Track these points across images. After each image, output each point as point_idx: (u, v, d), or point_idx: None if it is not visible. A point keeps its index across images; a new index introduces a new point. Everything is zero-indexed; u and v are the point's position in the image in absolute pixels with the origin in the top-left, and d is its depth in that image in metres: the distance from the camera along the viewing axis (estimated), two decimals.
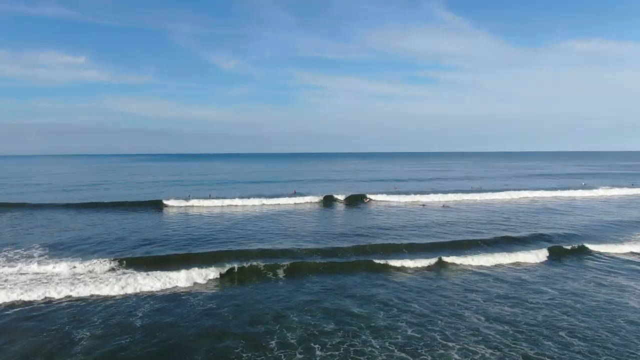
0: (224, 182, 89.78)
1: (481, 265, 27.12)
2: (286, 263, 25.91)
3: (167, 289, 22.50)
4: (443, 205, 54.05)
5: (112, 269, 25.19)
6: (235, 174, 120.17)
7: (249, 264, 25.63)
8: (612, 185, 76.18)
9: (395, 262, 26.69)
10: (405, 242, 31.89)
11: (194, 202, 53.54)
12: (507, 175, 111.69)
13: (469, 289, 22.97)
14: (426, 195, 61.04)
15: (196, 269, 24.29)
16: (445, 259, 27.58)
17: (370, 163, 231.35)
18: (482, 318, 19.02)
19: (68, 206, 50.66)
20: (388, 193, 63.16)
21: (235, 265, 25.10)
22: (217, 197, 57.26)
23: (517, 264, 27.75)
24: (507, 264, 27.59)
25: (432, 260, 27.25)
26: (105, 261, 26.01)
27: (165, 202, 53.38)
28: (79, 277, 23.76)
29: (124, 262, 25.99)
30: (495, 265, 27.28)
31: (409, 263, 26.76)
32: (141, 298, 21.43)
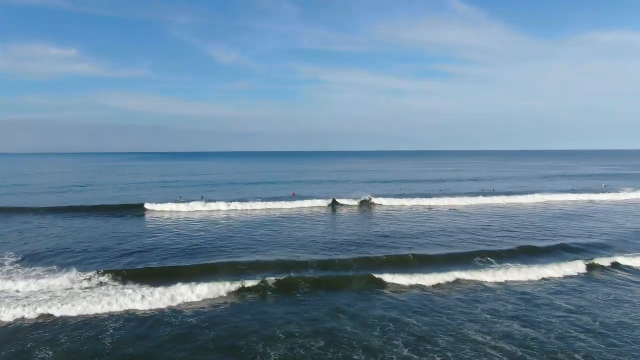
0: (219, 183, 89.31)
1: (496, 282, 25.82)
2: (278, 278, 24.84)
3: (146, 310, 21.48)
4: (450, 209, 53.44)
5: (88, 283, 24.28)
6: (232, 175, 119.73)
7: (238, 279, 24.51)
8: (636, 188, 74.83)
9: (400, 279, 25.32)
10: (410, 252, 30.83)
11: (181, 206, 52.31)
12: (523, 176, 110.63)
13: (485, 308, 21.82)
14: (433, 199, 60.27)
15: (180, 285, 23.28)
16: (458, 274, 26.18)
17: (377, 163, 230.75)
18: (499, 342, 17.99)
19: (49, 210, 49.98)
20: (395, 196, 62.26)
21: (227, 284, 23.68)
22: (210, 200, 56.43)
23: (533, 279, 26.47)
24: (524, 280, 26.32)
25: (445, 277, 25.79)
26: (79, 274, 25.15)
27: (147, 206, 51.99)
28: (52, 293, 22.90)
29: (98, 276, 25.01)
30: (512, 281, 26.00)
31: (415, 280, 25.37)
32: (117, 317, 20.54)
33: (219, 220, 45.18)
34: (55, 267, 26.70)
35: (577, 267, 28.14)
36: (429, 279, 25.44)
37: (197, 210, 51.24)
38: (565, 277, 26.89)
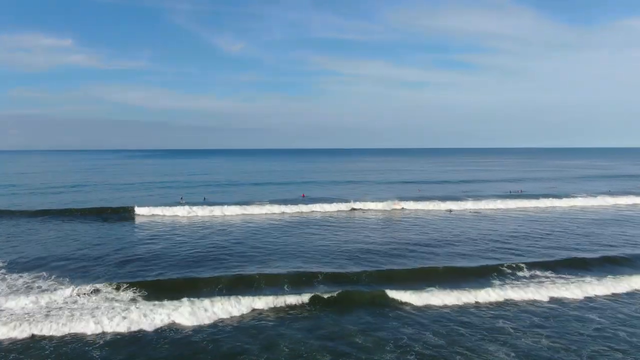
0: (223, 183, 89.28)
1: (534, 300, 24.40)
2: (291, 293, 23.98)
3: (129, 332, 20.64)
4: (474, 213, 52.84)
5: (72, 297, 23.79)
6: (237, 174, 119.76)
7: (246, 295, 23.64)
8: None
9: (418, 298, 24.01)
10: (432, 265, 29.84)
11: (176, 209, 51.43)
12: (555, 176, 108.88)
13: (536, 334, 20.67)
14: (456, 201, 59.37)
15: (166, 303, 22.48)
16: (493, 291, 24.77)
17: (394, 161, 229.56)
18: None
19: (35, 213, 49.66)
20: (414, 199, 61.40)
21: (221, 302, 22.72)
22: (213, 203, 56.19)
23: (577, 297, 25.10)
24: (569, 297, 24.95)
25: (487, 295, 24.42)
26: (61, 287, 24.71)
27: (137, 210, 51.38)
28: (34, 309, 22.38)
29: (81, 289, 24.33)
30: (557, 299, 24.61)
31: (452, 297, 24.04)
32: (93, 338, 20.05)
33: (222, 226, 44.64)
34: (51, 279, 26.48)
35: (629, 284, 26.58)
36: (464, 296, 24.28)
37: (196, 215, 50.47)
38: (614, 295, 25.36)
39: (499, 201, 60.10)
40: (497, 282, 26.94)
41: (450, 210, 54.09)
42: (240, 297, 23.23)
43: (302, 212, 52.72)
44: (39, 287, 25.12)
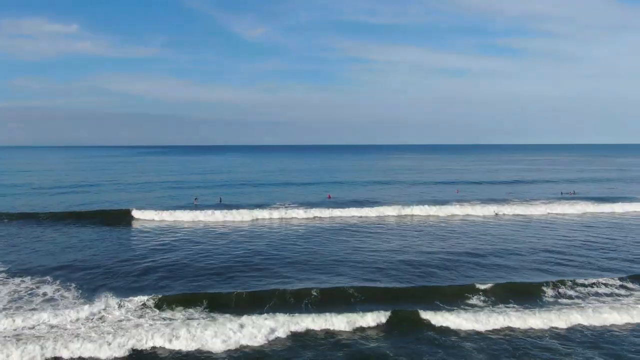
0: (241, 183, 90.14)
1: (613, 325, 23.41)
2: (307, 317, 23.34)
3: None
4: (515, 216, 52.81)
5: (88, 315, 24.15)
6: (258, 173, 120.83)
7: (284, 313, 23.57)
8: None
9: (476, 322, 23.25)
10: (480, 279, 29.50)
11: (180, 214, 51.06)
12: (615, 176, 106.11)
13: None
14: (500, 204, 58.80)
15: (225, 319, 22.69)
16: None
17: (430, 159, 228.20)
18: None
19: (27, 216, 50.51)
20: (456, 201, 61.14)
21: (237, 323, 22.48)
22: (229, 206, 56.68)
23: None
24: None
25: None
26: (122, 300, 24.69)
27: (135, 213, 51.20)
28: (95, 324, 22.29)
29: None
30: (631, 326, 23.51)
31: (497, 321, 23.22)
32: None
33: (248, 231, 45.18)
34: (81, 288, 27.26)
35: None
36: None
37: (211, 220, 49.85)
38: None
39: (549, 204, 59.24)
40: (564, 301, 26.20)
41: (497, 214, 53.67)
42: (312, 314, 23.42)
43: (332, 217, 52.40)
44: (79, 298, 25.58)
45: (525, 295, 26.80)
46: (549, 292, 27.34)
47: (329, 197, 66.35)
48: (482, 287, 27.38)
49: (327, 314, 23.30)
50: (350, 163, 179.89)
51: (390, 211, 54.78)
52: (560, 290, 27.57)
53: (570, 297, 26.82)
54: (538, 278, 29.50)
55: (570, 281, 28.52)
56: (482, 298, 26.44)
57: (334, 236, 42.36)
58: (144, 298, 24.85)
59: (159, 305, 24.44)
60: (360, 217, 52.92)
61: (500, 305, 25.29)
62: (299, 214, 52.85)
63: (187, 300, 25.06)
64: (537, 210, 56.60)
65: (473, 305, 25.48)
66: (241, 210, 52.70)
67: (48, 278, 28.65)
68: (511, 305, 25.36)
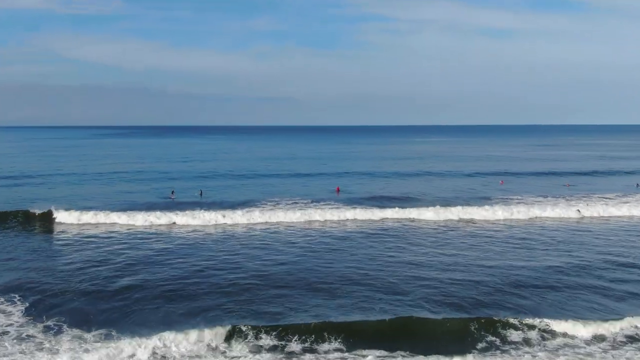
0: (226, 174, 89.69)
1: None
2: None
3: None
4: (577, 210, 53.41)
5: None
6: (248, 161, 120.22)
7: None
8: None
9: None
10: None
11: (115, 216, 48.66)
12: None
13: None
14: (577, 201, 58.64)
15: None
16: None
17: (466, 142, 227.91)
18: None
19: None
20: (500, 197, 60.64)
21: None
22: (213, 203, 56.19)
23: None
24: None
25: None
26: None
27: (56, 214, 48.86)
28: None
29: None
30: None
31: None
32: None
33: (212, 240, 44.56)
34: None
35: None
36: None
37: (180, 223, 48.15)
38: None
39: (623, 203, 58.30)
40: None
41: (579, 211, 53.37)
42: None
43: (339, 220, 50.85)
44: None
45: None
46: None
47: (338, 191, 66.77)
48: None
49: None
50: (365, 149, 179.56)
51: (426, 213, 52.51)
52: None
53: None
54: None
55: None
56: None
57: (351, 247, 41.03)
58: None
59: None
60: (381, 219, 51.42)
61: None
62: (296, 215, 51.00)
63: None
64: (620, 210, 55.59)
65: None
66: (211, 212, 50.38)
67: None
68: None
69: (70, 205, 52.41)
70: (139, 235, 43.58)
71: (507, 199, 60.27)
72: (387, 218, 51.33)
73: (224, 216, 49.54)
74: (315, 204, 56.63)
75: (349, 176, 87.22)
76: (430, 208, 53.35)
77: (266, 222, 49.11)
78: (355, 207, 54.18)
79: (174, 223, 48.10)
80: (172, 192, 62.27)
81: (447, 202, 56.73)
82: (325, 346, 22.96)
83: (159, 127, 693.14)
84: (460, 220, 50.76)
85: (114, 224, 47.54)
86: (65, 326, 24.34)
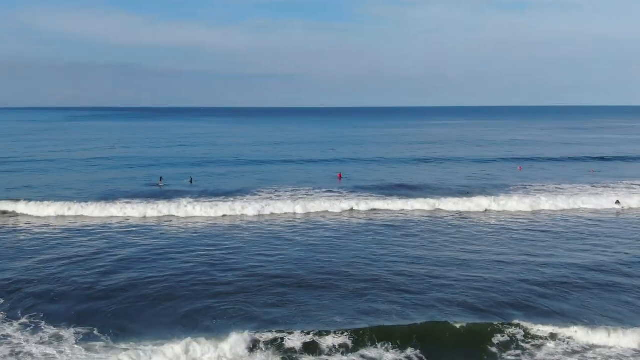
0: (219, 160, 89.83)
1: None
2: None
3: None
4: (616, 202, 53.01)
5: None
6: (244, 146, 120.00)
7: None
8: None
9: None
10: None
11: (90, 207, 48.16)
12: None
13: None
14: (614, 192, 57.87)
15: None
16: None
17: (480, 125, 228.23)
18: None
19: None
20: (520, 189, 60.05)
21: None
22: (200, 193, 56.01)
23: None
24: None
25: None
26: None
27: (26, 206, 48.26)
28: None
29: None
30: None
31: None
32: None
33: (202, 233, 44.38)
34: None
35: None
36: None
37: (154, 216, 47.58)
38: None
39: None
40: None
41: (618, 202, 53.17)
42: None
43: (341, 212, 50.13)
44: None
45: None
46: None
47: (340, 177, 67.38)
48: None
49: None
50: (370, 132, 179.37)
51: (445, 204, 51.81)
52: None
53: None
54: None
55: None
56: None
57: (357, 242, 40.42)
58: None
59: None
60: (366, 210, 50.83)
61: None
62: (295, 208, 50.35)
63: None
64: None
65: None
66: (200, 203, 50.41)
67: None
68: None
69: (42, 196, 52.22)
70: (114, 228, 43.19)
71: (526, 186, 60.38)
72: (404, 210, 50.73)
73: (211, 207, 49.07)
74: (316, 191, 56.96)
75: (355, 162, 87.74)
76: (450, 199, 52.85)
77: (259, 214, 48.72)
78: (360, 196, 54.39)
79: (160, 214, 47.79)
80: (161, 179, 62.64)
81: (462, 191, 57.04)
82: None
83: (146, 109, 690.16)
84: (477, 211, 50.30)
85: (92, 216, 47.16)
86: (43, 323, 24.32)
